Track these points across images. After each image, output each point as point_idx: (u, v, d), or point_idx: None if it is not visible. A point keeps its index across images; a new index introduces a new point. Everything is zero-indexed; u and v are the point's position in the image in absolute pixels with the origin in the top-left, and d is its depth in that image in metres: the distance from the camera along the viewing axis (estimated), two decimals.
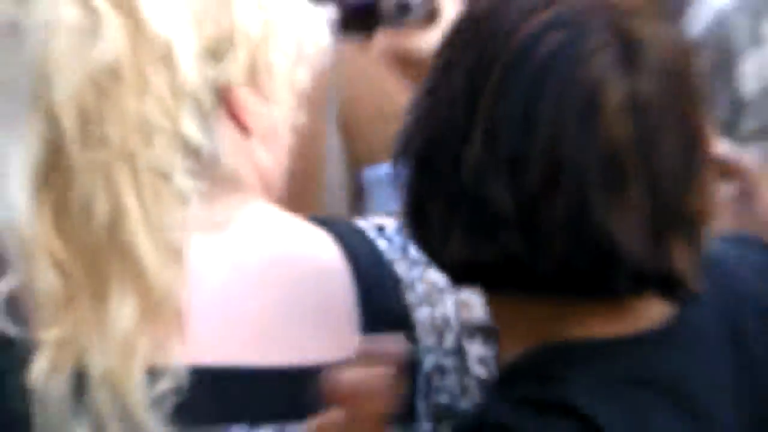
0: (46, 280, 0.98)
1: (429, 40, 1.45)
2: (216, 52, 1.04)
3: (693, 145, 1.07)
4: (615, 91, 1.00)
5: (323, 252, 1.14)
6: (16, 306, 1.00)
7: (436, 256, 1.08)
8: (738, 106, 2.36)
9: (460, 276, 1.09)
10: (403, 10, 1.54)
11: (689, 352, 1.13)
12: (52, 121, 0.98)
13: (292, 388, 1.07)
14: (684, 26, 1.72)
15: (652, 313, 1.10)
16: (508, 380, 1.10)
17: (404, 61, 1.58)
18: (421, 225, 1.08)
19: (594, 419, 1.01)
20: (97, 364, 0.98)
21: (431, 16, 1.57)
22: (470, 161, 1.01)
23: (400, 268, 1.17)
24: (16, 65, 1.01)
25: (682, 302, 1.10)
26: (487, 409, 1.08)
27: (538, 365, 1.08)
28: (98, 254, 1.00)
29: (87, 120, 0.98)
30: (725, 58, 2.38)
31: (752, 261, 1.24)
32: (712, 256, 1.12)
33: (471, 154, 1.01)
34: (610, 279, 1.02)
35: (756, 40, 2.40)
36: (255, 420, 1.07)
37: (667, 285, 1.05)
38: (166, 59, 1.00)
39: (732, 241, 1.25)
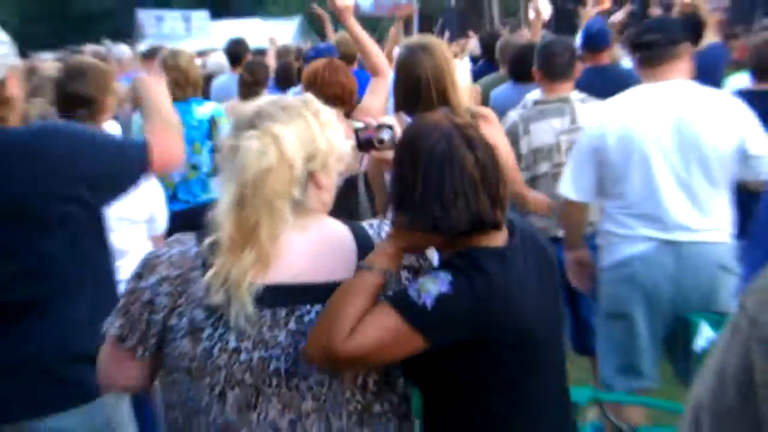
0: (225, 238, 2.19)
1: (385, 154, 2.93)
2: (309, 158, 2.27)
3: (500, 175, 2.42)
4: (467, 155, 2.36)
5: (343, 232, 2.44)
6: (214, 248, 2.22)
7: (408, 223, 2.34)
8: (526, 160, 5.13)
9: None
10: (381, 142, 2.96)
11: (521, 251, 2.46)
12: (242, 187, 2.19)
13: (325, 291, 2.28)
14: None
15: (501, 238, 2.43)
16: (445, 262, 2.40)
17: (384, 163, 3.01)
18: (400, 209, 2.38)
19: (487, 270, 2.32)
20: (233, 276, 2.17)
21: (390, 147, 2.90)
22: (417, 195, 2.33)
23: (374, 238, 2.45)
24: (233, 165, 2.22)
25: (511, 233, 2.46)
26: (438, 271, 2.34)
27: (460, 255, 2.37)
28: (246, 233, 2.19)
29: (255, 188, 2.19)
30: (515, 139, 5.01)
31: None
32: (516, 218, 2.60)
33: (417, 191, 2.33)
34: (482, 225, 2.35)
35: (526, 132, 5.17)
36: (310, 303, 2.30)
37: (497, 226, 2.39)
38: (291, 164, 2.23)
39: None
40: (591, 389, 4.27)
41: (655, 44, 4.29)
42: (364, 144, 2.95)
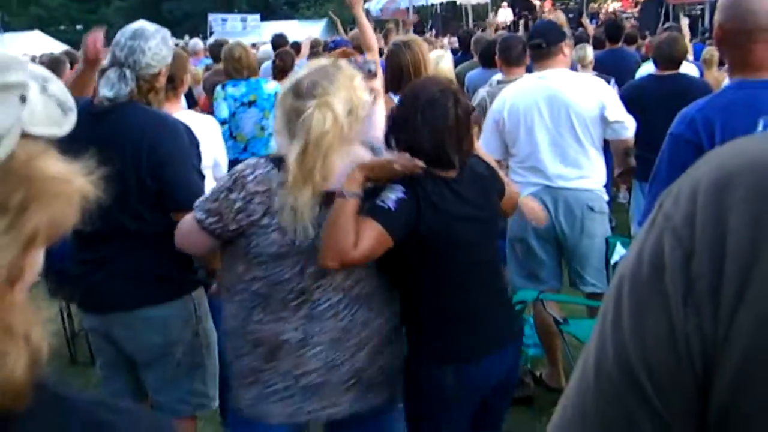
0: (291, 177, 2.32)
1: (372, 84, 3.02)
2: (349, 113, 2.39)
3: (468, 130, 2.57)
4: (453, 109, 2.52)
5: (366, 154, 2.55)
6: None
7: (395, 139, 2.58)
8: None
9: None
10: (369, 71, 2.99)
11: (463, 181, 2.63)
12: (306, 143, 2.32)
13: None
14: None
15: (454, 171, 2.57)
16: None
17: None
18: (395, 135, 2.58)
19: (418, 190, 2.47)
20: (298, 204, 2.31)
21: (374, 75, 3.07)
22: (410, 130, 2.53)
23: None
24: (298, 125, 2.35)
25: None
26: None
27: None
28: (306, 174, 2.31)
29: (316, 145, 2.32)
30: (484, 110, 4.70)
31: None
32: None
33: (412, 127, 2.53)
34: (442, 161, 2.52)
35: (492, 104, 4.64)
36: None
37: (451, 166, 2.54)
38: (341, 126, 2.37)
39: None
40: (536, 291, 4.26)
41: (538, 45, 4.41)
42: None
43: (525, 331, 4.68)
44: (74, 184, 0.71)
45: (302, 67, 2.54)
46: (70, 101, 0.77)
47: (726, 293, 0.68)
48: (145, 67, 2.94)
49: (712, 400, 0.69)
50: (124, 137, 2.87)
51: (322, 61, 2.56)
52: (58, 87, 0.77)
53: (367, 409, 2.55)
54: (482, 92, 5.25)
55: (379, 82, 3.01)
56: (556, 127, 4.24)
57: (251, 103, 5.98)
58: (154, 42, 2.96)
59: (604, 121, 4.26)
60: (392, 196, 2.42)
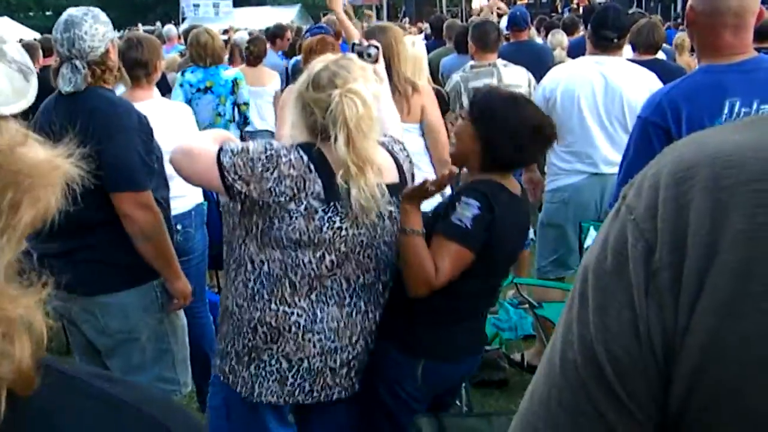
0: (352, 169, 2.34)
1: (377, 68, 2.88)
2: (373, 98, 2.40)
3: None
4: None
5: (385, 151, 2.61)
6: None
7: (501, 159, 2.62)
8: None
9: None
10: (361, 56, 2.91)
11: (525, 204, 2.75)
12: (348, 132, 2.32)
13: (391, 189, 2.49)
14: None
15: (518, 184, 2.68)
16: (468, 187, 2.55)
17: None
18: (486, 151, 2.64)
19: (488, 197, 2.47)
20: (369, 190, 2.37)
21: (376, 60, 3.01)
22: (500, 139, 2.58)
23: (388, 145, 2.68)
24: (330, 116, 2.34)
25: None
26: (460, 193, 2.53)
27: (487, 184, 2.53)
28: (363, 160, 2.33)
29: (358, 129, 2.32)
30: (458, 95, 5.04)
31: None
32: None
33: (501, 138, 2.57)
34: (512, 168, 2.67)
35: (466, 89, 4.94)
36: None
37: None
38: (371, 108, 2.35)
39: None
40: (511, 275, 4.28)
41: (611, 39, 4.36)
42: (357, 55, 2.94)
43: (500, 315, 4.74)
44: (60, 169, 0.68)
45: (314, 62, 2.54)
46: (29, 62, 0.72)
47: (686, 285, 0.69)
48: (91, 51, 2.96)
49: (672, 388, 0.70)
50: (76, 121, 2.88)
51: (331, 55, 2.58)
52: (14, 48, 0.71)
53: (351, 394, 2.59)
54: (456, 77, 5.26)
55: (381, 67, 3.00)
56: (608, 114, 4.23)
57: (207, 89, 5.93)
58: (87, 25, 2.98)
59: None
60: (468, 214, 2.45)
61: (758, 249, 0.66)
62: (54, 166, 0.68)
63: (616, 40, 4.37)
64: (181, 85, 5.92)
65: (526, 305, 4.41)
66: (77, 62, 2.95)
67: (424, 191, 2.46)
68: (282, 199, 2.35)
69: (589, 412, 0.74)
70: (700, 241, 0.69)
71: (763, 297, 0.66)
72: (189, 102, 5.90)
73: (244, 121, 6.15)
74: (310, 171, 2.37)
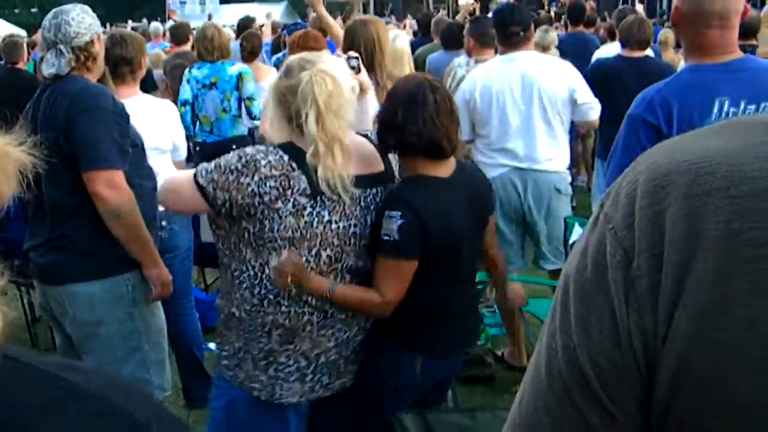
0: (321, 147, 2.37)
1: (361, 77, 3.18)
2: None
3: (453, 116, 2.60)
4: (431, 96, 2.53)
5: (363, 138, 2.63)
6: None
7: (387, 141, 2.61)
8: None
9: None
10: (352, 68, 3.03)
11: (456, 182, 2.61)
12: (318, 109, 2.34)
13: (374, 179, 2.55)
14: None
15: (447, 170, 2.62)
16: (392, 191, 2.58)
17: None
18: (385, 137, 2.61)
19: (405, 200, 2.50)
20: (336, 171, 2.39)
21: (358, 70, 3.19)
22: (396, 129, 2.54)
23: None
24: (301, 96, 2.37)
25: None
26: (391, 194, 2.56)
27: (405, 182, 2.59)
28: (332, 139, 2.36)
29: (327, 107, 2.35)
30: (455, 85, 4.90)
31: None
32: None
33: (397, 126, 2.54)
34: (434, 148, 2.55)
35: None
36: (370, 187, 2.57)
37: (443, 153, 2.58)
38: (342, 88, 2.41)
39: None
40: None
41: (516, 33, 4.43)
42: None
43: (486, 312, 4.75)
44: (11, 156, 0.69)
45: (290, 56, 2.59)
46: None
47: (664, 291, 0.70)
48: (76, 36, 3.04)
49: (654, 393, 0.71)
50: (55, 107, 2.95)
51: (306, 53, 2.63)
52: None
53: (352, 381, 2.68)
54: (461, 72, 5.25)
55: (364, 76, 3.02)
56: (528, 108, 4.29)
57: (212, 85, 5.98)
58: (75, 13, 3.07)
59: (573, 103, 4.33)
60: (393, 227, 2.46)
61: (734, 255, 0.67)
62: (5, 152, 0.69)
63: (522, 33, 4.42)
64: (188, 81, 5.94)
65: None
66: (62, 47, 3.02)
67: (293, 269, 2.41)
68: (267, 198, 2.37)
69: (573, 418, 0.76)
70: (677, 248, 0.69)
71: (740, 302, 0.66)
72: (195, 98, 5.93)
73: (250, 116, 6.13)
74: (293, 169, 2.39)
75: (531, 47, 4.53)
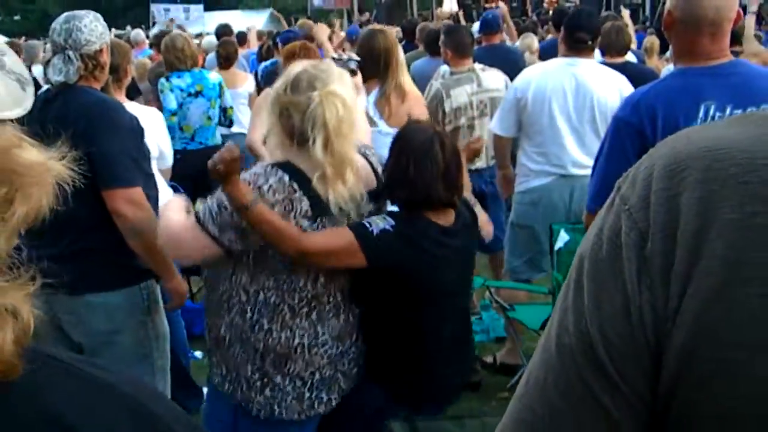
0: (329, 172, 2.35)
1: (356, 80, 3.06)
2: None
3: (459, 171, 2.61)
4: (440, 154, 2.51)
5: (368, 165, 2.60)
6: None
7: (397, 194, 2.59)
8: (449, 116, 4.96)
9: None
10: (343, 65, 2.97)
11: (456, 232, 2.58)
12: (327, 134, 2.32)
13: (371, 195, 2.55)
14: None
15: (449, 218, 2.56)
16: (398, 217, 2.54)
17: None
18: (395, 191, 2.59)
19: (403, 226, 2.49)
20: (347, 195, 2.39)
21: (355, 72, 3.13)
22: (407, 184, 2.52)
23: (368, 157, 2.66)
24: (310, 117, 2.34)
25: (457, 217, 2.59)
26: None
27: (409, 218, 2.54)
28: (340, 165, 2.35)
29: (337, 133, 2.34)
30: (440, 102, 4.95)
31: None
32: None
33: (408, 182, 2.52)
34: (432, 202, 2.51)
35: (448, 96, 4.97)
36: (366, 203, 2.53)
37: (448, 204, 2.55)
38: (352, 111, 2.41)
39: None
40: (483, 278, 4.31)
41: (584, 41, 4.39)
42: None
43: (473, 318, 4.75)
44: (52, 170, 0.72)
45: (292, 67, 2.51)
46: (26, 74, 0.77)
47: (677, 271, 0.72)
48: (86, 44, 3.01)
49: (663, 371, 0.73)
50: (68, 120, 2.87)
51: (307, 61, 2.59)
52: (13, 60, 0.75)
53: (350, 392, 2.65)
54: (437, 85, 5.23)
55: (359, 79, 3.02)
56: (579, 116, 4.26)
57: (198, 93, 5.97)
58: (88, 20, 3.05)
59: None
60: (380, 224, 2.43)
61: (746, 237, 0.70)
62: (46, 167, 0.73)
63: (590, 42, 4.41)
64: (171, 90, 5.91)
65: (497, 307, 4.45)
66: (71, 53, 2.99)
67: (227, 164, 2.28)
68: None
69: (583, 394, 0.77)
70: (691, 230, 0.72)
71: (751, 282, 0.69)
72: (180, 107, 5.92)
73: (230, 124, 6.24)
74: (295, 191, 2.34)
75: (593, 56, 4.53)
